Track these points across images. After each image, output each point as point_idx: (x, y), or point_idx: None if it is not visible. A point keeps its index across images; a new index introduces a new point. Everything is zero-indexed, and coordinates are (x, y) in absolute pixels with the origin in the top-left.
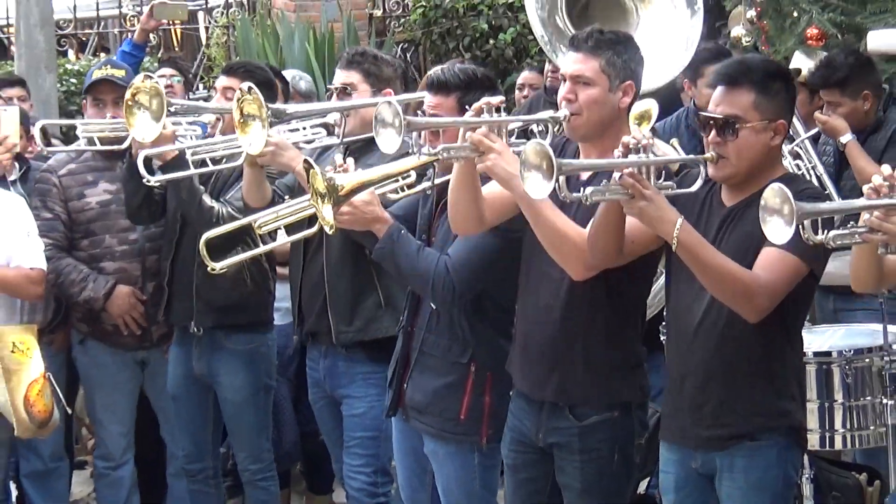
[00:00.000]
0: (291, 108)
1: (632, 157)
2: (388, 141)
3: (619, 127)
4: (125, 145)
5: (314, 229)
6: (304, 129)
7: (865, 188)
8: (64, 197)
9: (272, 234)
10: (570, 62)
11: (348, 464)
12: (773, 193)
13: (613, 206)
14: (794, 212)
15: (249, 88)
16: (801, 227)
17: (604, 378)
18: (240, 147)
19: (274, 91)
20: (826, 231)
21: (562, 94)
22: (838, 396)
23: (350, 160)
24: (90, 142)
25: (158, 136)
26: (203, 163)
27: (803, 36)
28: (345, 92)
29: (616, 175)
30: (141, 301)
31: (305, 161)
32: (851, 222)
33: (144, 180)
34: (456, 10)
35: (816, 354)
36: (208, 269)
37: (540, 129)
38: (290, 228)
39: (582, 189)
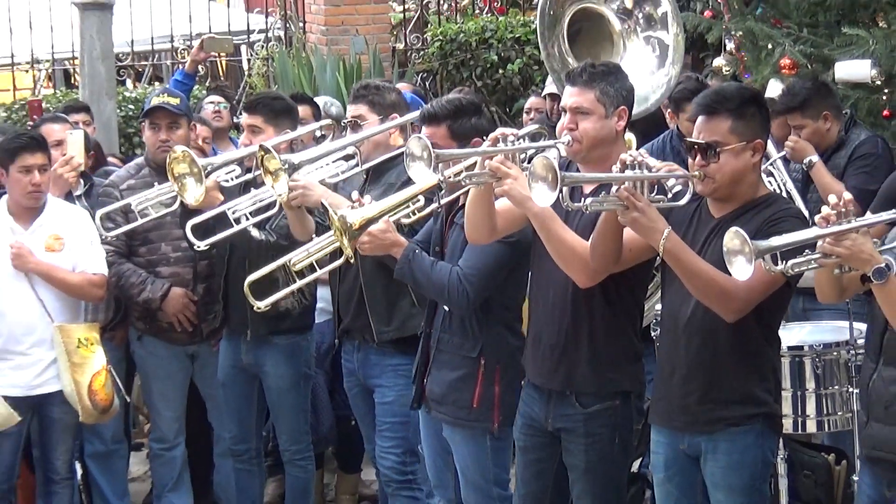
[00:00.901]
0: (300, 156)
1: (628, 173)
2: (419, 173)
3: (617, 148)
4: (175, 206)
5: (342, 260)
6: (328, 164)
7: (817, 218)
8: (125, 209)
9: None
10: (567, 96)
11: (380, 445)
12: (731, 237)
13: (612, 217)
14: (752, 251)
15: (266, 150)
16: (761, 260)
17: (606, 370)
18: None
19: (294, 116)
20: (785, 261)
21: (563, 125)
22: (810, 385)
23: (367, 197)
24: (144, 213)
25: (205, 192)
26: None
27: (777, 65)
28: (356, 124)
29: (614, 188)
30: (192, 301)
31: (322, 204)
32: (807, 250)
33: (196, 247)
34: (469, 43)
35: (790, 348)
36: (254, 308)
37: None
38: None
39: (583, 200)
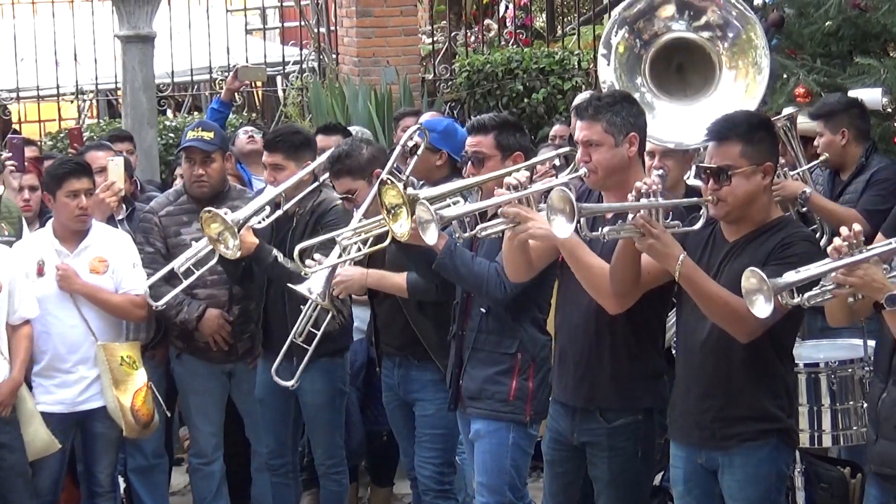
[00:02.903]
0: (320, 269)
1: (643, 201)
2: (431, 235)
3: (633, 172)
4: (215, 260)
5: (386, 243)
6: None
7: (829, 249)
8: (163, 234)
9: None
10: (577, 130)
11: (420, 456)
12: (748, 276)
13: (629, 244)
14: (770, 289)
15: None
16: (779, 296)
17: (628, 387)
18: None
19: (313, 146)
20: (801, 294)
21: (578, 158)
22: (825, 401)
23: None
24: (188, 272)
25: (242, 242)
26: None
27: (792, 94)
28: (348, 199)
29: (630, 216)
30: (228, 322)
31: (384, 178)
32: (821, 281)
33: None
34: (496, 73)
35: (806, 365)
36: (302, 273)
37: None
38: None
39: (600, 228)
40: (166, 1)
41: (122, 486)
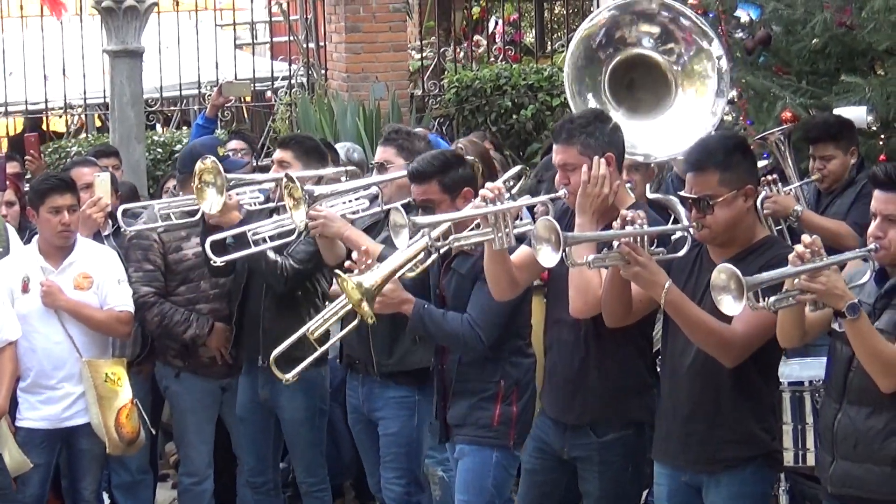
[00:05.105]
0: (322, 189)
1: (628, 228)
2: (403, 240)
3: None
4: (197, 217)
5: (356, 322)
6: (351, 201)
7: (791, 256)
8: (163, 250)
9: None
10: (554, 154)
11: (385, 477)
12: (719, 272)
13: (618, 274)
14: (744, 286)
15: (290, 179)
16: (747, 298)
17: (618, 402)
18: (291, 224)
19: (324, 157)
20: (766, 298)
21: (557, 180)
22: (809, 419)
23: (371, 261)
24: (166, 217)
25: (223, 206)
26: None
27: (780, 119)
28: (383, 167)
29: (615, 244)
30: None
31: (336, 274)
32: (786, 288)
33: (212, 262)
34: (484, 90)
35: (790, 384)
36: (283, 381)
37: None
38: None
39: (585, 256)
40: (155, 15)
41: (107, 502)
